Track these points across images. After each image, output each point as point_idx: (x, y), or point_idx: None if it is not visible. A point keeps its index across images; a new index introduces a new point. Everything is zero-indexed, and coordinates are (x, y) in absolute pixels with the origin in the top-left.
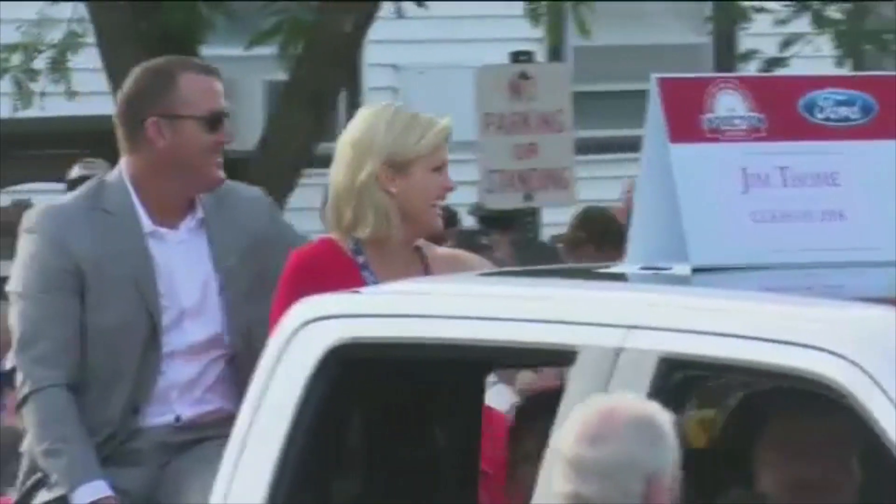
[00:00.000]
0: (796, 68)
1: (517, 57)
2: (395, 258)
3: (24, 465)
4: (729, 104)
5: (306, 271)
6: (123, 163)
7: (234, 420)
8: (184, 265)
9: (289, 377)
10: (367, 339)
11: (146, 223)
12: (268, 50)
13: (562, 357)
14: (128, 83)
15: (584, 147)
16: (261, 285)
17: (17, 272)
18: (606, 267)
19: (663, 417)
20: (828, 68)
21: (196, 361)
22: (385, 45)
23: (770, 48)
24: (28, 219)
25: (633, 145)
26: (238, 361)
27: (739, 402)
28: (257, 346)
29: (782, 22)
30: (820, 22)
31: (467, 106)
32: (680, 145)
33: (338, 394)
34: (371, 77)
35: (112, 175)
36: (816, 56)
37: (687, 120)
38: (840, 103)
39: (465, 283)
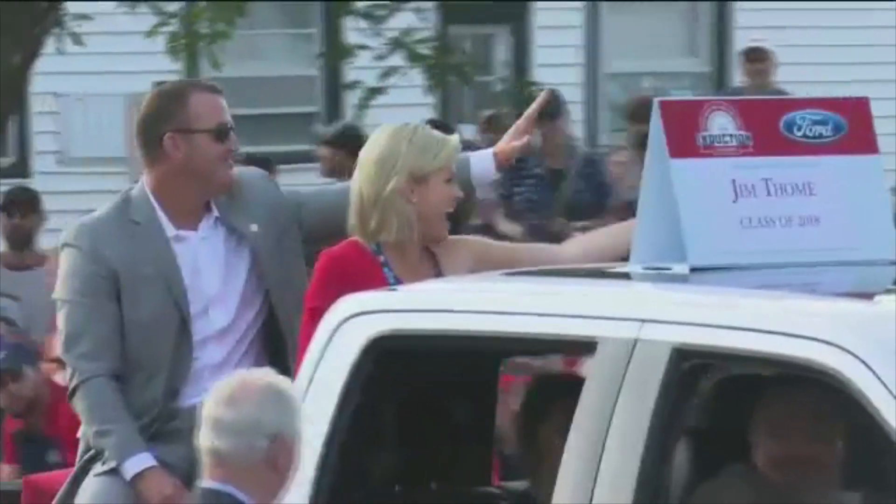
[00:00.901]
0: (393, 97)
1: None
2: (411, 257)
3: (81, 447)
4: (721, 124)
5: (337, 268)
6: (144, 177)
7: None
8: (205, 261)
9: (335, 364)
10: (404, 331)
11: (169, 229)
12: None
13: (583, 348)
14: (143, 105)
15: None
16: (283, 244)
17: (61, 281)
18: (613, 267)
19: (291, 390)
20: (419, 97)
21: (224, 344)
22: (48, 76)
23: (371, 79)
24: (66, 234)
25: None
26: (265, 330)
27: (742, 388)
28: (282, 312)
29: (381, 57)
30: (413, 57)
31: (118, 128)
32: (679, 160)
33: (377, 379)
34: (36, 103)
35: (136, 189)
36: (410, 86)
37: (684, 137)
38: (816, 122)
39: (492, 281)
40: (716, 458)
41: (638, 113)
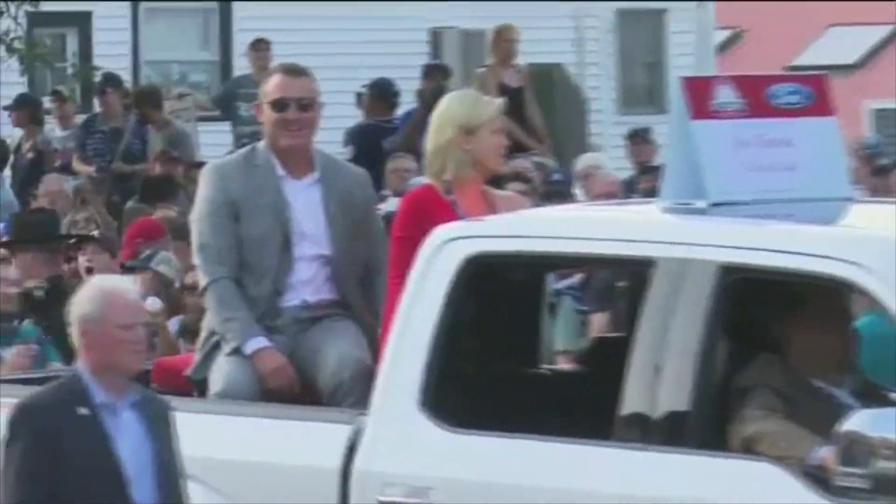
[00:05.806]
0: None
1: None
2: (471, 195)
3: (204, 332)
4: (725, 93)
5: (417, 205)
6: None
7: (337, 304)
8: (304, 204)
9: (437, 278)
10: (491, 252)
11: (279, 171)
12: None
13: (645, 265)
14: None
15: None
16: (349, 229)
17: (196, 206)
18: (649, 202)
19: (128, 290)
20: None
21: (312, 266)
22: None
23: None
24: (202, 172)
25: None
26: (336, 267)
27: (774, 295)
28: (348, 261)
29: None
30: (9, 50)
31: None
32: (697, 121)
33: (469, 290)
34: None
35: (261, 143)
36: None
37: (700, 104)
38: (791, 93)
39: (566, 210)
40: (753, 349)
41: (140, 98)
